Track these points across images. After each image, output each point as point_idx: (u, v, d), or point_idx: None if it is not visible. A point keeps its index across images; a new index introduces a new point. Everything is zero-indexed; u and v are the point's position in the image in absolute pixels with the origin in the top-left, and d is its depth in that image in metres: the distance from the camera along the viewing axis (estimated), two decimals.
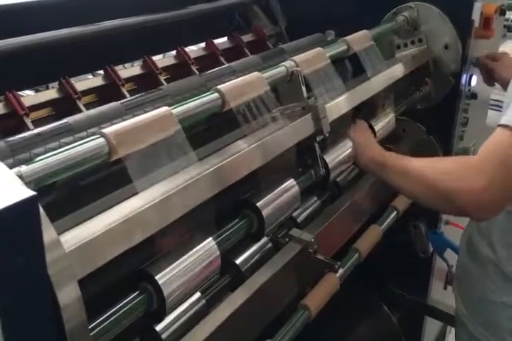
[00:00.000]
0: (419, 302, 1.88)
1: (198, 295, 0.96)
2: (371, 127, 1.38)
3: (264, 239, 1.14)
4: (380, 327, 1.75)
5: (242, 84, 1.00)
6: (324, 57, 1.22)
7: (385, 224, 1.36)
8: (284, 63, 1.12)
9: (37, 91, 1.25)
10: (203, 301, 0.96)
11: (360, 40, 1.37)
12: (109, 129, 0.75)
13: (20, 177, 0.61)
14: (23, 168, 0.63)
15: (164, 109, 0.85)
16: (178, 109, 0.87)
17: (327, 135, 1.14)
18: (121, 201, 0.74)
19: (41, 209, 0.53)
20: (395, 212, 1.42)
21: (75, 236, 0.64)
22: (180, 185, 0.80)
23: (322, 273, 1.15)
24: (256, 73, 1.05)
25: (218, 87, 0.96)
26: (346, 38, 1.34)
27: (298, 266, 1.09)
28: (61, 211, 0.72)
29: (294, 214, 1.23)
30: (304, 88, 1.11)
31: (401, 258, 1.75)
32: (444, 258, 1.76)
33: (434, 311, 1.88)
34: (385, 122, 1.45)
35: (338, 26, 1.68)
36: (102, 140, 0.73)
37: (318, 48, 1.24)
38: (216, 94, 0.94)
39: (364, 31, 1.41)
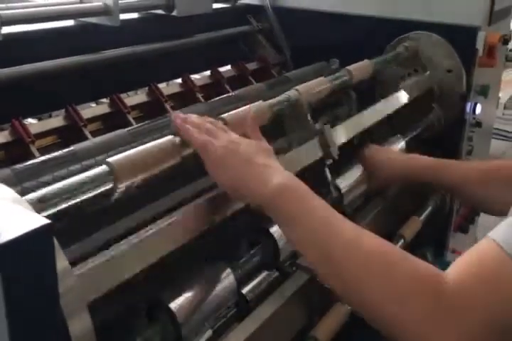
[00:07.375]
0: None
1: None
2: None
3: None
4: None
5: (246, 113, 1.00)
6: (326, 87, 1.23)
7: None
8: (287, 93, 1.13)
9: (39, 119, 1.23)
10: (210, 332, 0.94)
11: (362, 69, 1.38)
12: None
13: (33, 204, 0.59)
14: (34, 195, 0.62)
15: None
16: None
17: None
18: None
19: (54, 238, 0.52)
20: (402, 241, 1.39)
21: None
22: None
23: (331, 303, 1.12)
24: (260, 102, 1.05)
25: (222, 116, 0.96)
26: (349, 67, 1.35)
27: (306, 295, 1.06)
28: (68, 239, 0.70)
29: None
30: (309, 116, 1.11)
31: None
32: None
33: None
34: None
35: (342, 55, 1.69)
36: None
37: (321, 78, 1.25)
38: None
39: (366, 61, 1.42)
